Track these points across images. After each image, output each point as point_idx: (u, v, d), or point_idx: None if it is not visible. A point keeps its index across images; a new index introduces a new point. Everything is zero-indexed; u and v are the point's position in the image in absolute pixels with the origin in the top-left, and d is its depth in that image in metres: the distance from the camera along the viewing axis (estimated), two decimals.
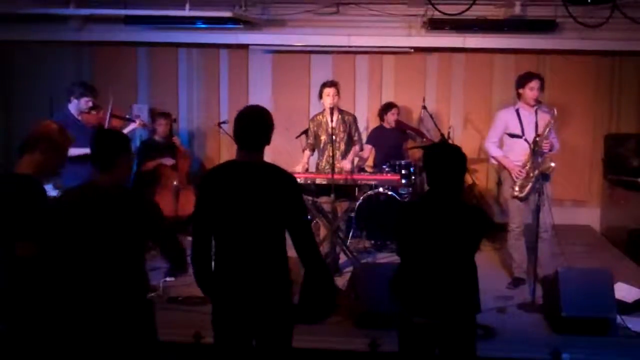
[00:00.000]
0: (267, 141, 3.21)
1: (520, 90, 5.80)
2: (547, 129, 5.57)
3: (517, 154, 5.74)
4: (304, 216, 3.21)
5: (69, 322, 3.16)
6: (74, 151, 5.77)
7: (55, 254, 3.15)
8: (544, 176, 5.60)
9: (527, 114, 5.74)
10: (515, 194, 5.70)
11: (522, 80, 5.79)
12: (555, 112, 5.59)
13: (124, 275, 3.14)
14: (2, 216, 3.13)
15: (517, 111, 5.78)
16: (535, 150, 5.55)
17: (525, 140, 5.57)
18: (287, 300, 3.21)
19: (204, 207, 3.13)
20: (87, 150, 5.81)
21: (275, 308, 3.15)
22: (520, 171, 5.66)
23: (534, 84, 5.71)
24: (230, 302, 3.14)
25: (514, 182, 5.71)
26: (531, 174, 5.61)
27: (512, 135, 5.66)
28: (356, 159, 6.60)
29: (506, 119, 5.84)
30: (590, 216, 8.38)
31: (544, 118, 5.70)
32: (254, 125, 3.18)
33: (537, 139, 5.56)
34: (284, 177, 3.16)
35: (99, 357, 3.15)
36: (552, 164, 5.51)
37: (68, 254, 3.11)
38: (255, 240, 3.09)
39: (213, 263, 3.20)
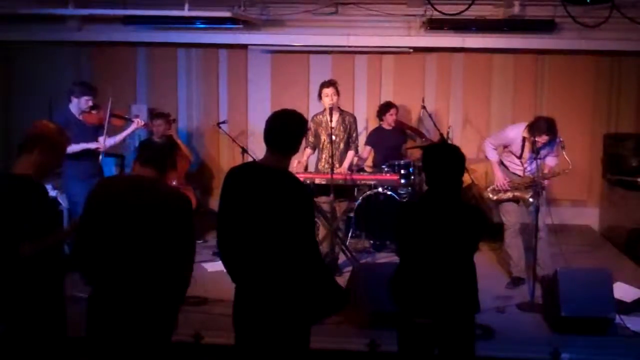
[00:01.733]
0: (295, 148, 3.23)
1: (533, 134, 5.62)
2: (550, 175, 5.82)
3: (509, 163, 5.96)
4: (310, 229, 3.21)
5: (92, 315, 3.17)
6: (74, 147, 5.81)
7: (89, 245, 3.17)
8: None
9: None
10: (488, 194, 6.00)
11: (535, 130, 5.61)
12: (545, 183, 5.80)
13: (155, 271, 3.14)
14: (3, 217, 3.13)
15: (524, 139, 5.77)
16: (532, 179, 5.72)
17: (521, 162, 5.83)
18: (301, 304, 3.19)
19: (224, 203, 3.19)
20: (87, 145, 5.85)
21: (290, 311, 3.14)
22: (504, 184, 5.85)
23: (543, 138, 5.58)
24: (247, 303, 3.15)
25: (492, 184, 6.00)
26: (510, 193, 5.84)
27: (511, 152, 5.90)
28: (355, 160, 6.60)
29: (513, 138, 5.88)
30: (589, 216, 8.38)
31: (547, 147, 5.72)
32: (286, 130, 3.19)
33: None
34: (297, 186, 3.17)
35: (120, 352, 3.16)
36: (531, 200, 5.64)
37: (101, 245, 3.13)
38: (267, 244, 3.10)
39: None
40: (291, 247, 3.11)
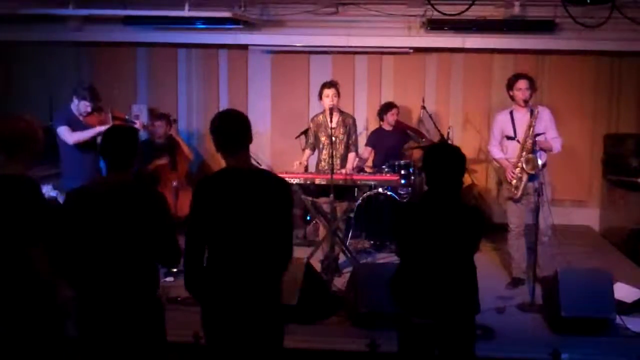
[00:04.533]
0: (250, 140, 3.23)
1: (511, 92, 5.85)
2: (531, 129, 5.62)
3: (511, 154, 5.83)
4: (289, 221, 3.21)
5: (79, 318, 3.17)
6: (87, 133, 5.83)
7: (68, 250, 3.16)
8: (532, 176, 5.64)
9: (521, 116, 5.78)
10: (511, 195, 5.80)
11: (511, 82, 5.85)
12: (537, 112, 5.64)
13: (136, 272, 3.16)
14: (11, 217, 3.13)
15: (511, 113, 5.83)
16: (533, 150, 5.59)
17: (517, 141, 5.72)
18: (276, 303, 3.20)
19: (198, 215, 3.13)
20: (99, 129, 5.86)
21: (265, 310, 3.15)
22: (513, 171, 5.73)
23: (521, 84, 5.74)
24: (221, 305, 3.14)
25: (509, 184, 5.78)
26: (521, 175, 5.69)
27: (507, 137, 5.83)
28: (355, 161, 6.59)
29: (501, 121, 5.91)
30: (589, 216, 8.38)
31: (540, 118, 5.70)
32: (243, 127, 3.19)
33: (529, 139, 5.63)
34: (274, 182, 3.19)
35: (109, 355, 3.16)
36: (539, 162, 5.53)
37: (81, 250, 3.13)
38: (249, 246, 3.10)
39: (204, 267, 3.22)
40: (273, 242, 3.13)
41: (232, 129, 3.17)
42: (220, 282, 3.12)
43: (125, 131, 3.39)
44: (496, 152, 5.98)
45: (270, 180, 3.18)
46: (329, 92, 5.98)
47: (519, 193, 5.72)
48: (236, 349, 3.17)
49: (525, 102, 5.74)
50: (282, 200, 3.15)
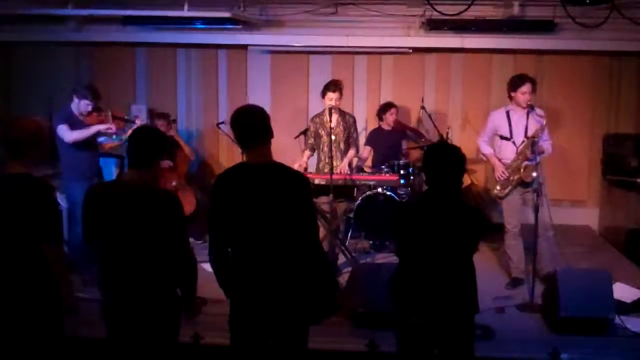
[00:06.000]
0: (272, 135, 3.24)
1: (512, 94, 5.80)
2: (536, 137, 5.60)
3: (505, 155, 5.85)
4: (311, 215, 3.24)
5: (106, 314, 3.21)
6: (88, 130, 5.83)
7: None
8: (525, 184, 5.67)
9: (518, 117, 5.78)
10: (496, 192, 5.84)
11: (514, 84, 5.78)
12: (544, 122, 5.65)
13: (155, 269, 3.17)
14: (23, 217, 3.14)
15: (508, 113, 5.82)
16: (531, 151, 5.60)
17: (513, 142, 5.73)
18: (303, 301, 3.22)
19: (219, 210, 3.16)
20: (98, 127, 5.85)
21: (293, 309, 3.17)
22: (503, 172, 5.75)
23: (526, 88, 5.70)
24: (248, 303, 3.16)
25: (497, 181, 5.82)
26: (511, 178, 5.71)
27: (502, 137, 5.82)
28: (355, 160, 6.59)
29: (496, 120, 5.91)
30: (588, 216, 8.38)
31: (535, 121, 5.71)
32: (257, 122, 3.22)
33: (525, 141, 5.64)
34: (295, 177, 3.19)
35: (135, 348, 3.19)
36: (534, 174, 5.52)
37: (101, 247, 3.16)
38: (272, 242, 3.11)
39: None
40: (298, 239, 3.14)
41: (249, 124, 3.20)
42: (245, 280, 3.14)
43: (150, 131, 3.48)
44: (484, 147, 5.99)
45: (289, 175, 3.19)
46: (332, 95, 5.98)
47: (505, 192, 5.75)
48: (263, 348, 3.19)
49: (529, 106, 5.70)
50: (302, 195, 3.16)
